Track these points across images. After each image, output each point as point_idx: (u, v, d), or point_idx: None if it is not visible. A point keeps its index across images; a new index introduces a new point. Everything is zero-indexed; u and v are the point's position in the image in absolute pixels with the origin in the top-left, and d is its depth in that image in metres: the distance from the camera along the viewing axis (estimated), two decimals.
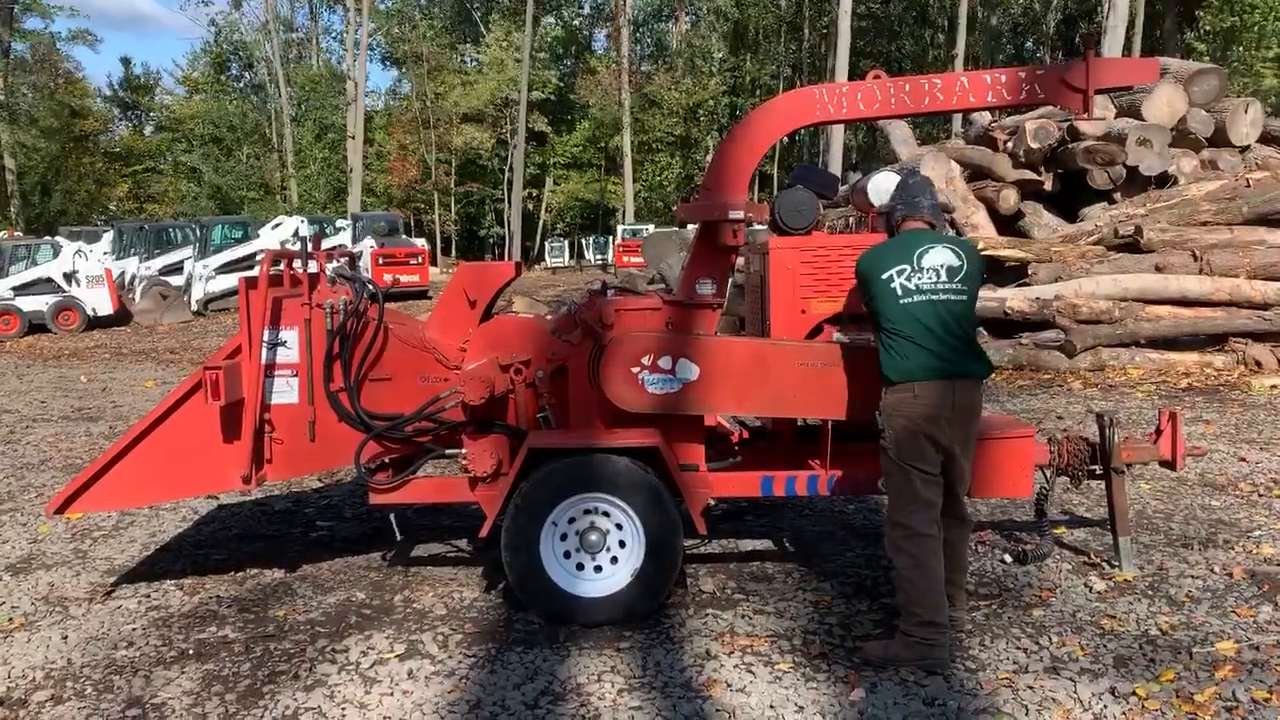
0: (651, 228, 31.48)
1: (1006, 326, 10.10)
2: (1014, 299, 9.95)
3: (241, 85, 53.27)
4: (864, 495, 5.25)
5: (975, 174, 12.31)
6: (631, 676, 3.42)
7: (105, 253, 23.08)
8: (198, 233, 23.45)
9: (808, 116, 4.04)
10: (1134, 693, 3.18)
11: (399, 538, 4.41)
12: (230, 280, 20.32)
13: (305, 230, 21.38)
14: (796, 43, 43.80)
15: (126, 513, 5.62)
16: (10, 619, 4.18)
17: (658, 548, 3.82)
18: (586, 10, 51.68)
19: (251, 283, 4.08)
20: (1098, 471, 4.31)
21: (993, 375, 3.60)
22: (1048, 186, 11.78)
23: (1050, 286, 10.02)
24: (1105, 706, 3.11)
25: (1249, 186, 10.79)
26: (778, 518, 5.32)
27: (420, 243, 27.32)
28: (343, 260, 4.50)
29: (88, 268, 19.72)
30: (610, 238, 36.84)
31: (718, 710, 3.18)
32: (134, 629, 4.01)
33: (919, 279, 3.40)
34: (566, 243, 40.60)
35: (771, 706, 3.18)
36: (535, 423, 4.11)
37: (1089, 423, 7.02)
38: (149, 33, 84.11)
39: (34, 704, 3.39)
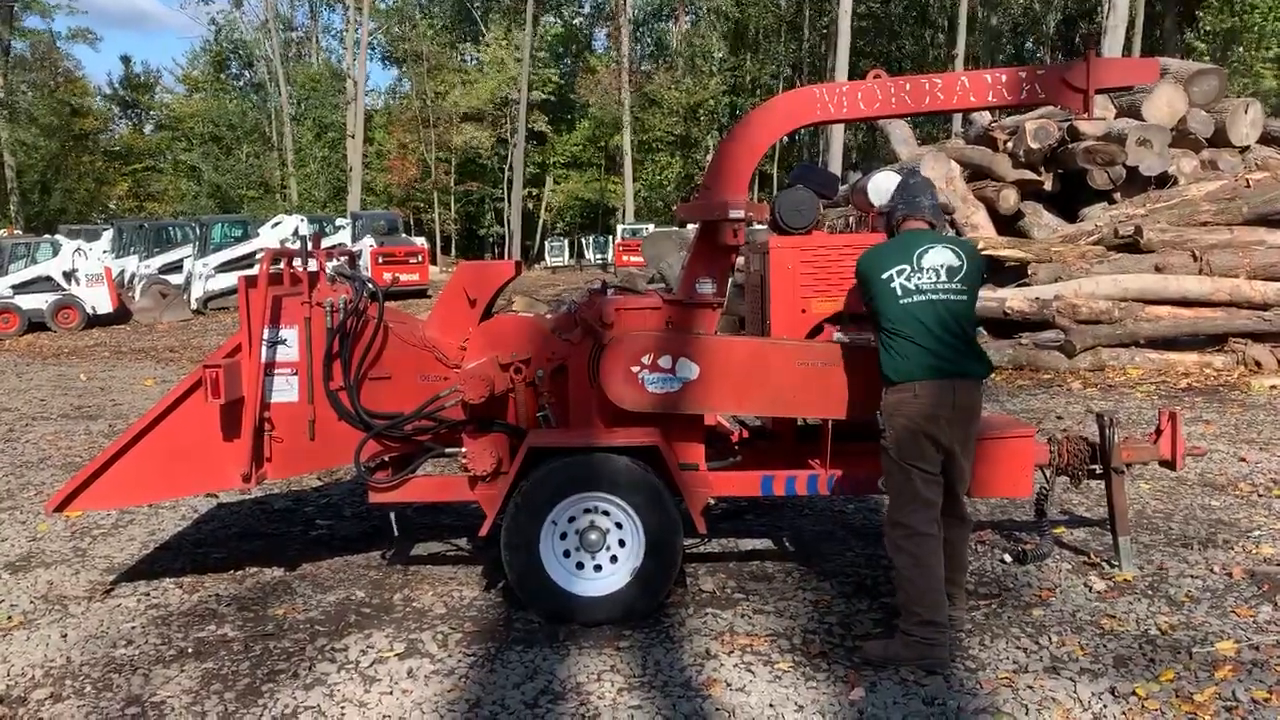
0: (651, 227, 31.48)
1: (1006, 326, 10.10)
2: (1014, 299, 9.95)
3: (241, 84, 53.29)
4: (864, 495, 5.24)
5: (975, 174, 12.31)
6: (631, 675, 3.42)
7: (105, 251, 23.09)
8: (197, 231, 23.44)
9: (808, 116, 4.04)
10: (1134, 692, 3.18)
11: (396, 534, 4.41)
12: (230, 279, 20.32)
13: (305, 229, 21.39)
14: (796, 42, 43.78)
15: (126, 511, 5.62)
16: (9, 617, 4.17)
17: (657, 547, 3.82)
18: (586, 10, 51.74)
19: (251, 281, 4.07)
20: (1097, 471, 4.31)
21: (992, 375, 3.60)
22: (1048, 186, 11.78)
23: (1050, 286, 10.03)
24: (1105, 706, 3.11)
25: (1249, 187, 10.79)
26: (778, 517, 5.32)
27: (420, 242, 27.33)
28: (342, 259, 4.49)
29: (87, 266, 19.71)
30: (610, 237, 36.84)
31: (717, 709, 3.18)
32: (133, 627, 4.01)
33: (919, 279, 3.39)
34: (566, 242, 40.60)
35: (771, 706, 3.18)
36: (535, 422, 4.11)
37: (1089, 423, 7.02)
38: (149, 31, 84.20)
39: (33, 702, 3.39)
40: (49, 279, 19.47)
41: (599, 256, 36.68)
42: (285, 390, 4.10)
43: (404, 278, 22.26)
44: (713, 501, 4.31)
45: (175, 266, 22.79)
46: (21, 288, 19.26)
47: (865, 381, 3.77)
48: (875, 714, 3.11)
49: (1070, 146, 11.36)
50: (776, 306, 4.09)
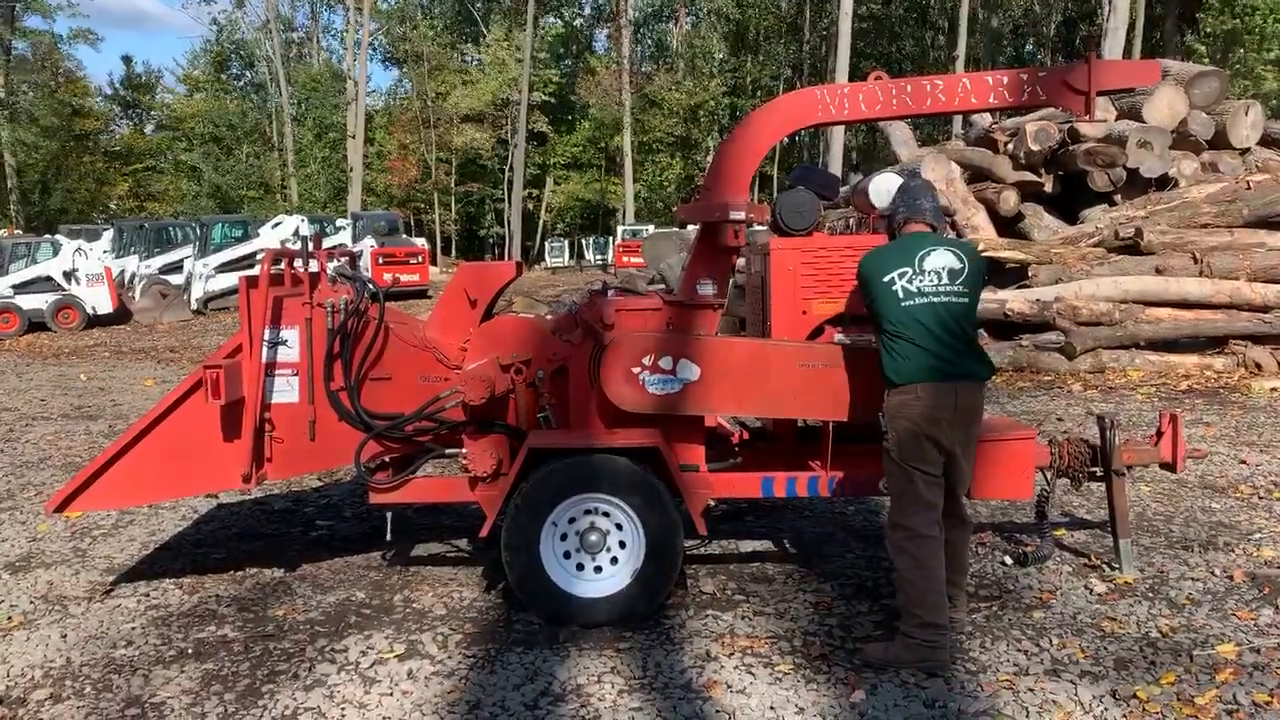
0: (651, 228, 31.49)
1: (1006, 328, 10.10)
2: (1014, 301, 9.95)
3: (242, 84, 53.32)
4: (865, 497, 5.24)
5: (976, 175, 12.31)
6: (631, 677, 3.42)
7: (105, 251, 23.10)
8: (198, 231, 23.45)
9: (809, 117, 4.04)
10: (1135, 695, 3.18)
11: (389, 538, 4.41)
12: (230, 279, 20.33)
13: (305, 229, 21.38)
14: (797, 44, 43.79)
15: (126, 511, 5.61)
16: (9, 617, 4.17)
17: (658, 548, 3.82)
18: (587, 11, 51.76)
19: (252, 282, 4.07)
20: (1098, 473, 4.31)
21: (994, 377, 3.60)
22: (1048, 188, 11.78)
23: (1050, 288, 10.02)
24: (1106, 709, 3.11)
25: (1249, 189, 10.79)
26: (778, 519, 5.32)
27: (420, 242, 27.33)
28: (343, 260, 4.49)
29: (87, 266, 19.72)
30: (610, 238, 36.85)
31: (718, 711, 3.17)
32: (133, 628, 4.01)
33: (920, 281, 3.39)
34: (566, 243, 40.62)
35: (772, 708, 3.18)
36: (535, 423, 4.11)
37: (1089, 425, 7.02)
38: (151, 31, 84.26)
39: (33, 703, 3.39)
40: (49, 279, 19.48)
41: (599, 257, 36.70)
42: (286, 391, 4.10)
43: (404, 278, 22.25)
44: (713, 503, 4.31)
45: (175, 267, 22.80)
46: (22, 288, 19.27)
47: (866, 383, 3.77)
48: (876, 716, 3.11)
49: (1071, 148, 11.36)
50: (777, 308, 4.09)
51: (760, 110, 4.05)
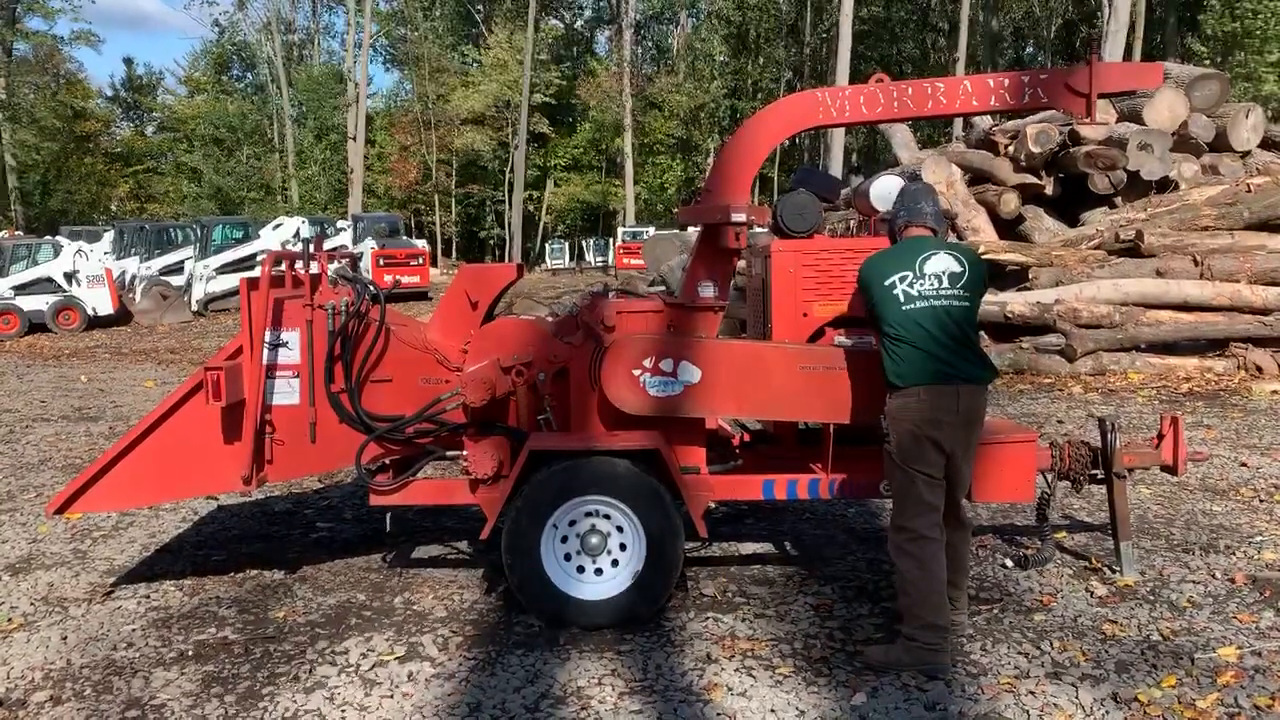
0: (652, 230, 31.48)
1: (1007, 330, 10.10)
2: (1014, 303, 9.95)
3: (243, 86, 53.34)
4: (865, 499, 5.24)
5: (976, 178, 12.31)
6: (632, 680, 3.41)
7: (106, 252, 23.09)
8: (198, 233, 23.44)
9: (810, 120, 4.04)
10: (1136, 699, 3.17)
11: (388, 530, 4.40)
12: (231, 281, 20.33)
13: (306, 231, 21.40)
14: (798, 46, 43.80)
15: (126, 513, 5.61)
16: (9, 619, 4.17)
17: (658, 550, 3.82)
18: (588, 14, 51.80)
19: (253, 283, 4.07)
20: (1099, 476, 4.31)
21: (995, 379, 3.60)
22: (1049, 191, 11.79)
23: (1051, 291, 10.02)
24: (1107, 712, 3.11)
25: (1250, 192, 10.80)
26: (779, 521, 5.31)
27: (421, 244, 27.31)
28: (344, 261, 4.49)
29: (88, 267, 19.72)
30: (611, 240, 36.86)
31: (718, 714, 3.17)
32: (133, 630, 4.01)
33: (921, 285, 3.40)
34: (567, 245, 40.62)
35: (772, 711, 3.18)
36: (536, 425, 4.11)
37: (1089, 427, 7.02)
38: (152, 32, 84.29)
39: (33, 705, 3.38)
40: (50, 280, 19.48)
41: (599, 259, 36.69)
42: (287, 393, 4.09)
43: (405, 280, 22.22)
44: (714, 505, 4.31)
45: (176, 268, 22.79)
46: (22, 289, 19.27)
47: (867, 385, 3.77)
48: (877, 719, 3.11)
49: (1071, 151, 11.36)
50: (778, 310, 4.09)
51: (761, 112, 4.04)
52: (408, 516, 5.32)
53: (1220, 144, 11.81)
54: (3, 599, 4.42)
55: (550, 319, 4.37)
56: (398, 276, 21.71)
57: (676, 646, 3.68)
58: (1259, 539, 4.74)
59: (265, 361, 4.04)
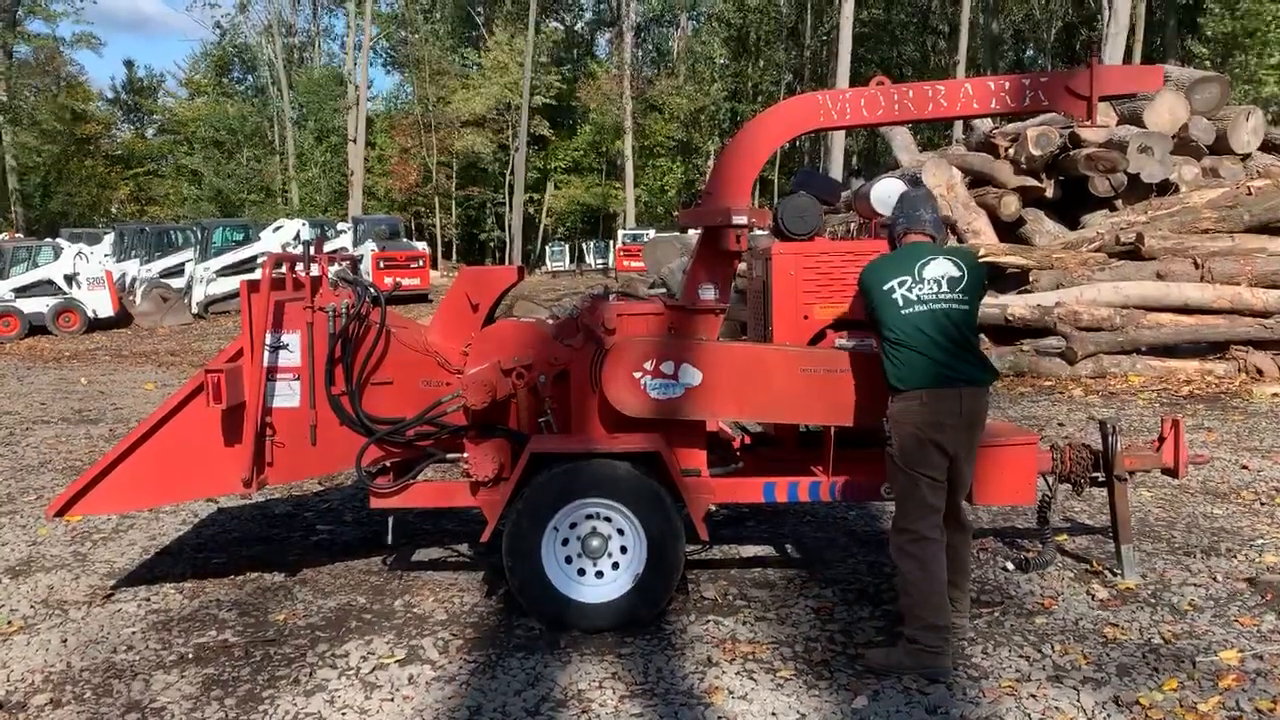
0: (653, 232, 31.50)
1: (1008, 333, 10.10)
2: (1015, 306, 9.95)
3: (244, 88, 53.38)
4: (866, 501, 5.24)
5: (976, 180, 12.32)
6: (633, 683, 3.41)
7: (106, 255, 23.08)
8: (199, 235, 23.45)
9: (811, 122, 4.03)
10: (1137, 702, 3.17)
11: (389, 541, 4.40)
12: (231, 283, 20.33)
13: (306, 233, 21.39)
14: (798, 49, 43.86)
15: (126, 516, 5.61)
16: (9, 622, 4.16)
17: (659, 553, 3.81)
18: (589, 16, 51.85)
19: (254, 286, 4.07)
20: (1100, 479, 4.30)
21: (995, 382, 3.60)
22: (1049, 193, 11.79)
23: (1051, 293, 10.03)
24: (1109, 716, 3.10)
25: (1250, 194, 10.81)
26: (780, 524, 5.31)
27: (421, 246, 27.32)
28: (344, 264, 4.49)
29: (88, 270, 19.72)
30: (611, 242, 36.87)
31: (719, 717, 3.17)
32: (133, 632, 4.00)
33: (920, 289, 3.41)
34: (567, 247, 40.63)
35: (773, 714, 3.17)
36: (537, 427, 4.10)
37: (1090, 430, 7.01)
38: (153, 34, 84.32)
39: (33, 707, 3.38)
40: (50, 282, 19.48)
41: (600, 262, 36.71)
42: (287, 395, 4.09)
43: (405, 282, 22.23)
44: (714, 508, 4.30)
45: (176, 270, 22.78)
46: (23, 291, 19.26)
47: (868, 388, 3.77)
48: None
49: (1072, 153, 11.37)
50: (779, 312, 4.09)
51: (762, 115, 4.04)
52: (408, 519, 5.31)
53: (1221, 147, 11.82)
54: (3, 602, 4.42)
55: (551, 321, 4.37)
56: (398, 279, 21.70)
57: (677, 649, 3.67)
58: (1260, 542, 4.74)
59: (266, 364, 4.04)
